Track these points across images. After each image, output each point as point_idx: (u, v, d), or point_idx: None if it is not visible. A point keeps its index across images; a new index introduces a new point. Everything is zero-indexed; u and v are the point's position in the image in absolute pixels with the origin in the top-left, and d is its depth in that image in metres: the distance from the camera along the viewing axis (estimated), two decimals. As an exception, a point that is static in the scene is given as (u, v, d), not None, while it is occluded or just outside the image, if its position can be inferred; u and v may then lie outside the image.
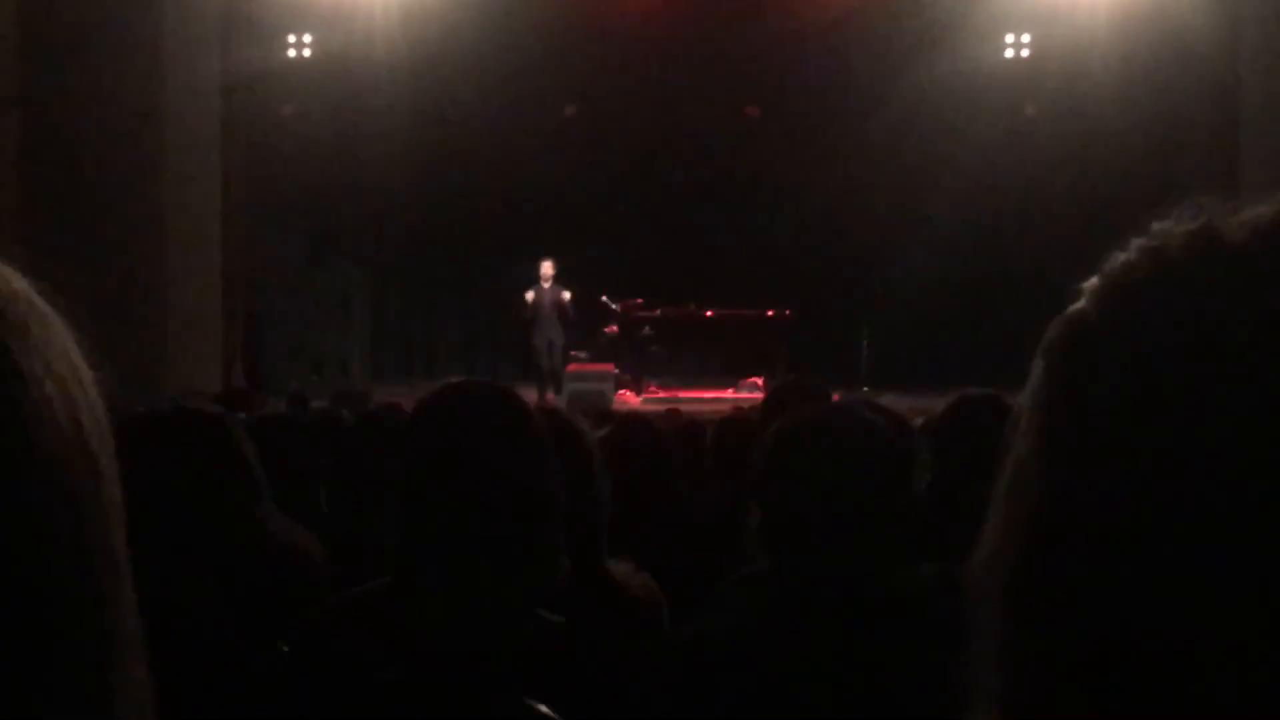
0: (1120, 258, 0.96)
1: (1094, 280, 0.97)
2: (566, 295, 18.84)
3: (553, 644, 2.38)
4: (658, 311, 19.83)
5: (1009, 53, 20.90)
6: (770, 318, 19.96)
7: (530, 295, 18.80)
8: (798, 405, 4.79)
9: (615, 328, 19.77)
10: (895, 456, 2.53)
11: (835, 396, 15.72)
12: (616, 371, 19.45)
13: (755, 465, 2.57)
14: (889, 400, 16.61)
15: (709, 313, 20.08)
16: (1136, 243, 0.96)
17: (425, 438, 2.45)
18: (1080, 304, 0.96)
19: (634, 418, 4.90)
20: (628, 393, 19.24)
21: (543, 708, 2.16)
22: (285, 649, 2.70)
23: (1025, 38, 20.70)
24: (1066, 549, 0.90)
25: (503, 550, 2.34)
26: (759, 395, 17.32)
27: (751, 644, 2.48)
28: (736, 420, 5.53)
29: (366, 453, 4.22)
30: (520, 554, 2.35)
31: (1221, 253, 0.91)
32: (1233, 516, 0.85)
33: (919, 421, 5.59)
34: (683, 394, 19.49)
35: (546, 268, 18.93)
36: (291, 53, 20.35)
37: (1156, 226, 0.97)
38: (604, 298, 19.55)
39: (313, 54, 20.39)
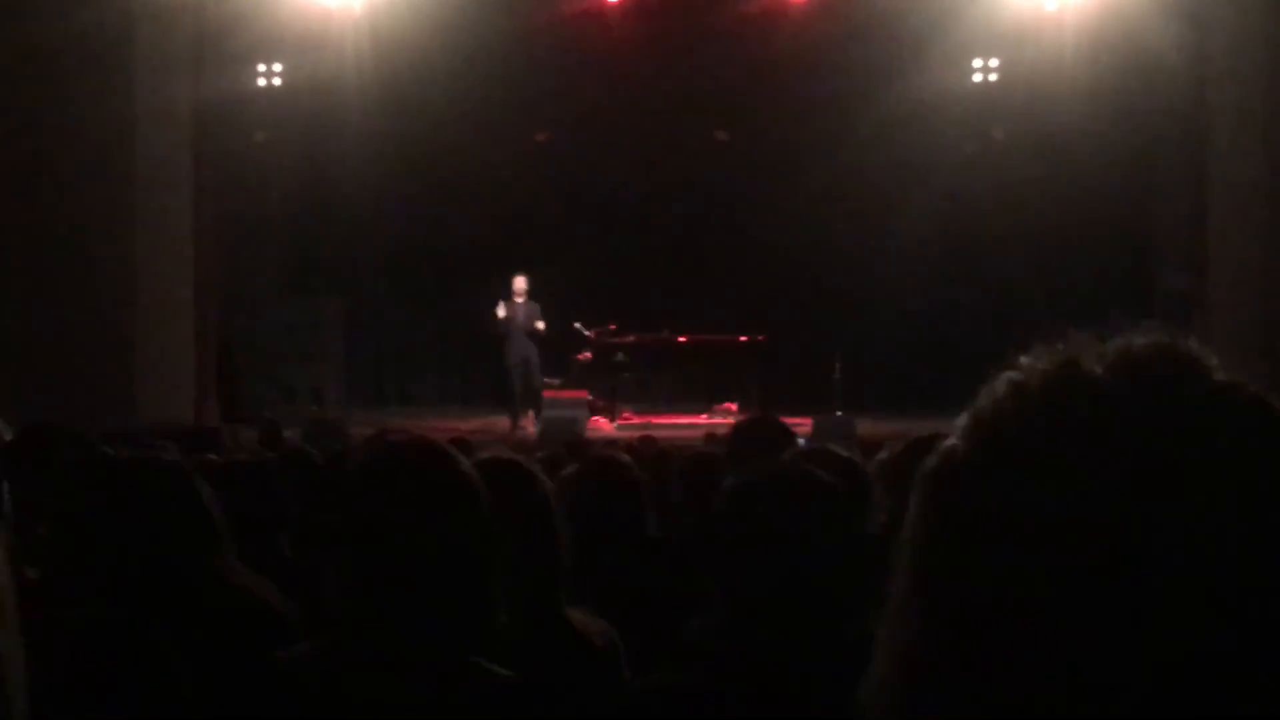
0: (988, 393, 1.00)
1: (964, 416, 1.01)
2: (540, 325, 18.84)
3: (500, 697, 2.40)
4: (631, 338, 19.85)
5: (977, 77, 21.01)
6: (743, 343, 20.01)
7: (502, 311, 18.76)
8: (760, 442, 4.83)
9: (588, 354, 19.78)
10: (844, 515, 2.56)
11: (809, 420, 15.77)
12: (590, 398, 19.47)
13: (711, 522, 2.60)
14: (863, 424, 16.74)
15: (682, 338, 20.11)
16: (1003, 377, 1.00)
17: (357, 499, 2.47)
18: (951, 439, 1.00)
19: (603, 458, 4.90)
20: (601, 419, 19.25)
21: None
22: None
23: (993, 62, 20.81)
24: (939, 681, 0.93)
25: (434, 606, 2.36)
26: (733, 420, 17.36)
27: (705, 699, 2.50)
28: (702, 457, 5.54)
29: (334, 498, 4.22)
30: (454, 609, 2.37)
31: (1081, 388, 0.94)
32: (1099, 646, 0.88)
33: (884, 454, 5.60)
34: (657, 420, 19.49)
35: (519, 283, 18.92)
36: (262, 81, 20.37)
37: (1022, 360, 1.00)
38: (577, 324, 19.57)
39: (284, 81, 20.41)
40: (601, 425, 18.89)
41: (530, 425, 18.56)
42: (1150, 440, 0.91)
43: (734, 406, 20.02)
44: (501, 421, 19.17)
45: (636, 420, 19.49)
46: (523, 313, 18.83)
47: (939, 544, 0.97)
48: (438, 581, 2.38)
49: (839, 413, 17.92)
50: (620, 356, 19.68)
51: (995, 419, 0.97)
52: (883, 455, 5.55)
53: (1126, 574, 0.89)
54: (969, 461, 0.97)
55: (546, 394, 18.97)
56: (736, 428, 5.42)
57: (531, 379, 18.96)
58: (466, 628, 2.40)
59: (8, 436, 6.00)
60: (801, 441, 10.58)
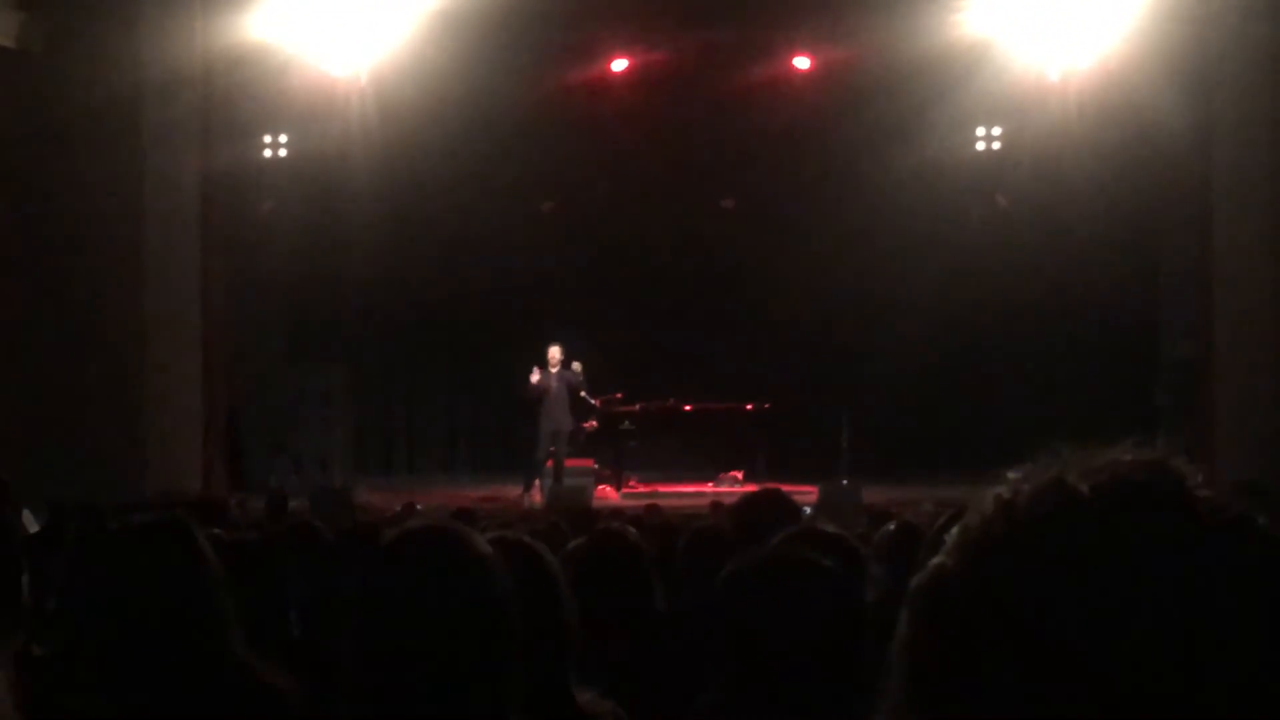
0: (976, 510, 1.01)
1: (953, 533, 1.02)
2: (577, 370, 18.83)
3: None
4: (637, 406, 19.85)
5: (981, 144, 21.11)
6: (749, 410, 20.01)
7: (535, 376, 18.78)
8: (767, 517, 4.83)
9: (594, 423, 19.78)
10: (840, 596, 2.57)
11: (815, 489, 15.76)
12: (596, 467, 19.47)
13: (713, 606, 2.61)
14: (870, 491, 16.72)
15: (688, 406, 20.12)
16: (991, 494, 1.01)
17: (376, 587, 2.48)
18: (940, 557, 1.01)
19: (609, 532, 4.91)
20: (608, 488, 19.22)
21: None
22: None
23: (996, 130, 20.92)
24: None
25: (448, 693, 2.37)
26: (739, 489, 17.35)
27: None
28: (708, 532, 5.54)
29: (342, 574, 4.22)
30: (468, 695, 2.38)
31: (1067, 509, 0.96)
32: None
33: (891, 526, 5.62)
34: (663, 488, 19.48)
35: (554, 353, 18.92)
36: (269, 151, 20.51)
37: (1011, 476, 1.02)
38: (583, 393, 19.60)
39: (290, 151, 20.57)
40: (608, 494, 18.87)
41: (538, 495, 18.54)
42: (1134, 564, 0.92)
43: (740, 475, 20.02)
44: (511, 490, 19.16)
45: (643, 489, 19.47)
46: (557, 382, 18.81)
47: (929, 661, 0.98)
48: (452, 669, 2.38)
49: (845, 480, 17.89)
50: (626, 425, 19.68)
51: (983, 538, 0.99)
52: (890, 527, 5.56)
53: (1111, 697, 0.90)
54: (957, 580, 0.99)
55: (551, 464, 18.96)
56: (742, 503, 5.41)
57: (558, 449, 18.91)
58: (480, 715, 2.39)
59: (33, 528, 5.99)
60: (808, 510, 10.59)
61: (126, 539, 3.29)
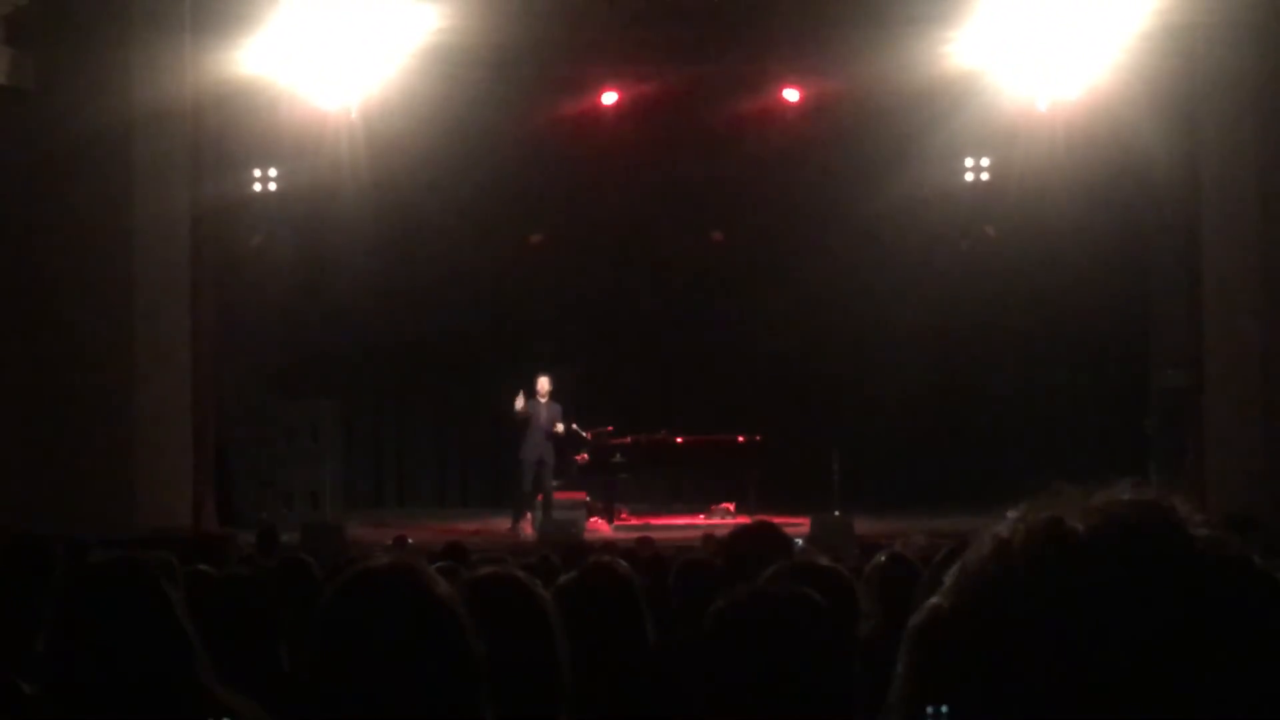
0: (973, 550, 1.01)
1: (951, 573, 1.02)
2: (559, 427, 18.84)
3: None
4: (628, 439, 19.82)
5: (969, 175, 21.15)
6: (741, 443, 19.97)
7: (520, 403, 18.75)
8: (757, 549, 4.82)
9: (585, 456, 19.75)
10: (831, 630, 2.57)
11: (807, 520, 15.76)
12: (588, 500, 19.45)
13: (703, 641, 2.60)
14: (861, 523, 16.72)
15: (679, 439, 20.09)
16: (987, 534, 1.01)
17: (330, 629, 2.46)
18: (938, 597, 1.01)
19: (600, 565, 4.89)
20: (600, 521, 19.19)
21: None
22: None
23: (984, 161, 20.96)
24: None
25: None
26: (731, 521, 17.35)
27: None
28: (699, 565, 5.53)
29: (311, 625, 4.19)
30: None
31: (1063, 549, 0.96)
32: None
33: (882, 557, 5.60)
34: (655, 521, 19.47)
35: (544, 383, 18.91)
36: (259, 185, 20.52)
37: (1008, 515, 1.02)
38: (574, 426, 19.57)
39: (281, 185, 20.58)
40: (599, 527, 18.84)
41: (529, 527, 18.51)
42: (1131, 603, 0.92)
43: (732, 507, 20.01)
44: (501, 523, 19.13)
45: (634, 521, 19.45)
46: (545, 413, 18.81)
47: (928, 700, 0.98)
48: (413, 708, 2.36)
49: (837, 512, 17.88)
50: (618, 458, 19.64)
51: (979, 578, 0.99)
52: (881, 558, 5.55)
53: None
54: (954, 620, 0.98)
55: (541, 496, 18.94)
56: (733, 535, 5.41)
57: (543, 480, 18.89)
58: None
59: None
60: (800, 542, 10.57)
61: (90, 576, 3.30)
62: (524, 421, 18.78)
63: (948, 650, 0.97)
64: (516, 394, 18.73)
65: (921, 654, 1.00)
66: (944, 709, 0.99)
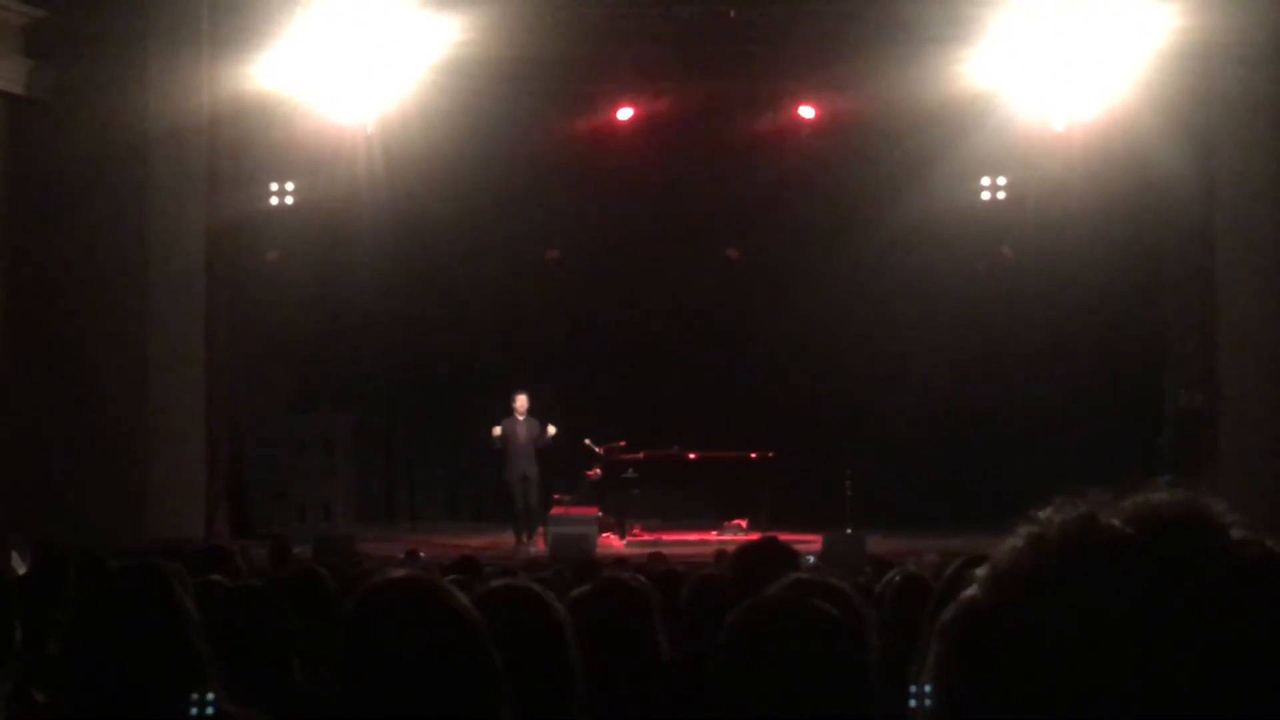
0: (1008, 544, 1.01)
1: (985, 566, 1.01)
2: (551, 430, 18.83)
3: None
4: (641, 454, 19.81)
5: (986, 195, 21.10)
6: (753, 459, 19.96)
7: (497, 430, 18.79)
8: (764, 565, 4.82)
9: (598, 471, 19.75)
10: (846, 647, 2.56)
11: (819, 538, 15.74)
12: (600, 515, 19.44)
13: (715, 653, 2.60)
14: (873, 541, 16.68)
15: (692, 455, 20.07)
16: (1022, 529, 1.00)
17: (351, 642, 2.46)
18: (972, 590, 1.00)
19: (614, 579, 4.89)
20: (611, 536, 19.18)
21: None
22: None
23: (1001, 180, 20.91)
24: None
25: None
26: (743, 537, 17.31)
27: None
28: (710, 580, 5.53)
29: (332, 637, 4.19)
30: None
31: (1099, 543, 0.95)
32: None
33: (895, 575, 5.59)
34: (667, 537, 19.43)
35: (520, 401, 18.97)
36: (275, 200, 20.55)
37: (1041, 513, 1.01)
38: (587, 441, 19.56)
39: (296, 200, 20.59)
40: (612, 542, 18.83)
41: (539, 542, 18.51)
42: (1170, 597, 0.91)
43: (744, 523, 19.97)
44: (508, 538, 19.14)
45: (647, 537, 19.43)
46: (524, 430, 18.84)
47: (960, 695, 0.97)
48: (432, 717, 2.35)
49: (849, 530, 17.84)
50: (630, 473, 19.63)
51: (1014, 571, 0.98)
52: (894, 576, 5.54)
53: None
54: (988, 613, 0.98)
55: (556, 510, 18.92)
56: (741, 551, 5.41)
57: (529, 495, 18.91)
58: None
59: (21, 570, 5.97)
60: (811, 559, 10.53)
61: (107, 585, 3.30)
62: (500, 443, 18.82)
63: (981, 641, 0.97)
64: (491, 425, 18.83)
65: (954, 645, 0.99)
66: (926, 688, 0.99)
